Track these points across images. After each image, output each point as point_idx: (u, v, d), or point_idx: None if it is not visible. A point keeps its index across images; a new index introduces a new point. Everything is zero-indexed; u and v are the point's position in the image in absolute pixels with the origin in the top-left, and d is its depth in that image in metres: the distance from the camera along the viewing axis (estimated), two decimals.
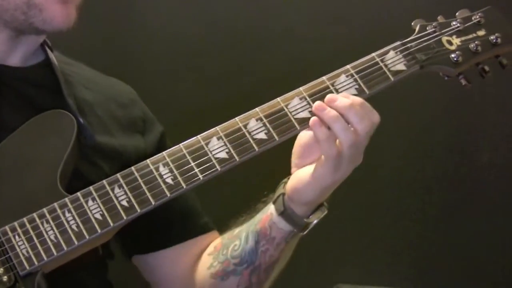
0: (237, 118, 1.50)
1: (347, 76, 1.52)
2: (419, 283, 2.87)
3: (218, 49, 2.76)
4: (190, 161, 1.47)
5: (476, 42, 1.58)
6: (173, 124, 1.84)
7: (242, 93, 2.67)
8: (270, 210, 1.57)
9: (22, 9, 1.52)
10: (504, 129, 2.86)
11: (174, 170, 1.46)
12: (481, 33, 1.60)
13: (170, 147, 1.50)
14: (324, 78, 1.52)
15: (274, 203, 1.56)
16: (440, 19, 1.61)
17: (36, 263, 1.41)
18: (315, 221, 1.56)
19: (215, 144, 1.47)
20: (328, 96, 1.48)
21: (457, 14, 1.62)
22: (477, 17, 1.61)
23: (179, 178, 1.46)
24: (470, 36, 1.60)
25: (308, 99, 1.50)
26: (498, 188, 2.86)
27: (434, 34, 1.58)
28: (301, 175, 1.53)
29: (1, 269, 1.40)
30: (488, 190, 2.87)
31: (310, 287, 2.84)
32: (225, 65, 2.76)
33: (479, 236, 2.87)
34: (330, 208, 1.59)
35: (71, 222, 1.43)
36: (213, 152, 1.47)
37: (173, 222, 1.71)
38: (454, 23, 1.60)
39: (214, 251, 1.66)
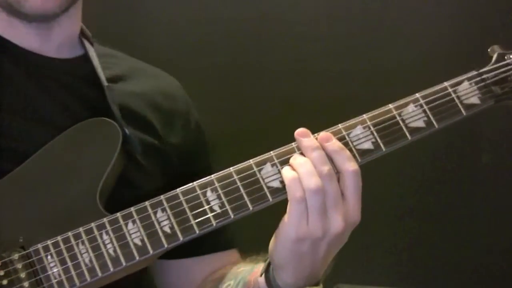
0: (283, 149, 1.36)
1: (415, 106, 1.38)
2: (419, 283, 2.87)
3: (217, 48, 2.77)
4: (241, 188, 1.33)
5: None
6: None
7: (243, 94, 2.68)
8: (262, 266, 1.41)
9: None
10: (504, 129, 2.86)
11: (223, 197, 1.33)
12: None
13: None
14: (390, 106, 1.38)
15: (265, 261, 1.39)
16: None
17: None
18: None
19: (269, 171, 1.34)
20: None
21: None
22: None
23: (227, 207, 1.33)
24: None
25: (372, 128, 1.37)
26: (498, 188, 2.86)
27: None
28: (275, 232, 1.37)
29: None
30: (488, 191, 2.87)
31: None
32: (225, 64, 2.76)
33: (479, 236, 2.87)
34: None
35: (108, 246, 1.31)
36: (266, 180, 1.33)
37: None
38: None
39: (216, 279, 1.56)
